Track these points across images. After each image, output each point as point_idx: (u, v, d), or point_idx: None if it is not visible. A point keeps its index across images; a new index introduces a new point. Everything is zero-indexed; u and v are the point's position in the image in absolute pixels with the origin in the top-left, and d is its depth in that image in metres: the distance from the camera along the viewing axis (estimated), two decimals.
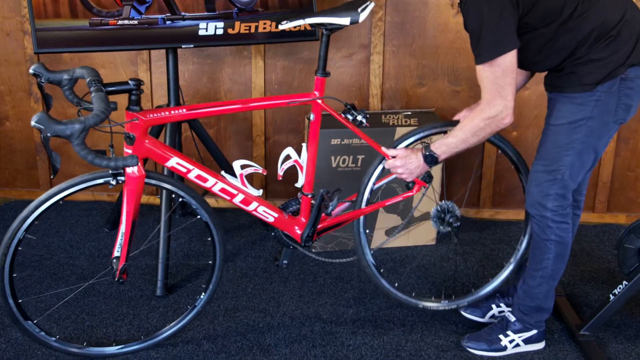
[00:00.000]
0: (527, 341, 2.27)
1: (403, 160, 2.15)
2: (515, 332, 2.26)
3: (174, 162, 2.07)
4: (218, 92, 3.27)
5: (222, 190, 2.16)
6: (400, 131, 2.86)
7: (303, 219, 2.31)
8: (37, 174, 3.46)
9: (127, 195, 2.03)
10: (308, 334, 2.35)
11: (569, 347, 2.31)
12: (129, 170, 2.00)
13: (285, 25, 2.18)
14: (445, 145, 2.07)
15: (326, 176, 2.85)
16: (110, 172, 1.99)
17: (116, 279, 2.12)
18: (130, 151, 1.99)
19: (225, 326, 2.40)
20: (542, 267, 2.15)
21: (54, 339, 2.16)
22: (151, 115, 1.99)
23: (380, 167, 2.29)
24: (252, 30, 2.75)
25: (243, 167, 2.17)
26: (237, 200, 2.18)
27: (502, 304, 2.45)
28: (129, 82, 1.93)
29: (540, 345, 2.30)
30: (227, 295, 2.60)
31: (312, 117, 2.22)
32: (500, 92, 1.89)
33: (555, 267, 2.15)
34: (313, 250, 2.97)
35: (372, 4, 2.20)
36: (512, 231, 3.19)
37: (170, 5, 2.65)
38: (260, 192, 2.22)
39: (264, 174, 2.23)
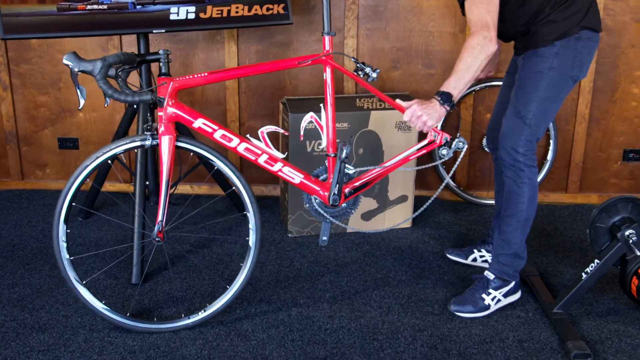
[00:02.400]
0: (506, 294, 2.41)
1: (420, 106, 2.16)
2: (496, 289, 2.39)
3: (200, 122, 2.16)
4: None
5: (247, 149, 2.20)
6: (374, 114, 2.86)
7: (331, 181, 2.32)
8: (7, 163, 3.41)
9: (161, 156, 2.14)
10: (285, 319, 2.35)
11: (542, 325, 2.34)
12: (162, 134, 2.12)
13: None
14: (453, 80, 2.16)
15: (302, 161, 2.84)
16: (144, 134, 2.13)
17: (154, 240, 2.19)
18: (161, 114, 2.11)
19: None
20: (517, 211, 2.33)
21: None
22: (178, 79, 2.11)
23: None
24: (225, 14, 2.72)
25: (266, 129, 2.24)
26: (262, 160, 2.22)
27: (483, 250, 2.67)
28: (159, 51, 2.13)
29: (517, 295, 2.45)
30: (203, 282, 2.59)
31: (324, 75, 2.25)
32: (485, 21, 2.14)
33: (529, 211, 2.33)
34: (300, 231, 2.97)
35: None
36: (487, 212, 3.22)
37: None
38: (285, 154, 2.26)
39: (286, 134, 2.25)
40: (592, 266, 2.33)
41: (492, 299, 2.39)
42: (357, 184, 2.33)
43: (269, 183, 3.39)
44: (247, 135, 2.22)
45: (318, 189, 2.30)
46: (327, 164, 2.32)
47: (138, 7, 2.62)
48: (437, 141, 2.29)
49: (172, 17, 2.66)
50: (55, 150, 3.38)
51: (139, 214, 2.62)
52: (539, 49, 2.26)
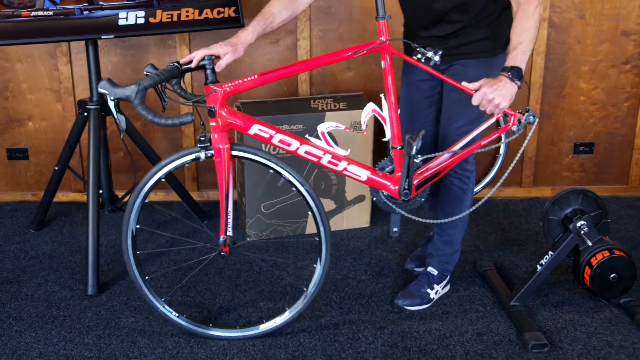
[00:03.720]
0: (444, 286, 2.53)
1: (491, 87, 1.96)
2: (439, 283, 2.49)
3: (256, 128, 2.06)
4: None
5: (307, 152, 2.10)
6: (329, 116, 2.87)
7: (399, 174, 2.17)
8: None
9: (217, 167, 2.06)
10: (245, 325, 2.34)
11: (500, 318, 2.37)
12: (216, 144, 2.03)
13: None
14: (519, 53, 1.99)
15: (257, 164, 2.82)
16: (198, 146, 2.04)
17: (219, 254, 2.17)
18: (214, 124, 2.01)
19: (161, 322, 2.36)
20: (461, 214, 2.30)
21: None
22: (227, 86, 2.00)
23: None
24: (175, 18, 2.69)
25: (326, 127, 2.12)
26: (325, 160, 2.11)
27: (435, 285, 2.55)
28: (204, 58, 2.00)
29: (449, 286, 2.56)
30: (161, 291, 2.55)
31: (383, 64, 2.11)
32: None
33: (467, 212, 2.32)
34: (263, 236, 2.95)
35: None
36: None
37: None
38: (349, 151, 2.14)
39: (346, 130, 2.17)
40: (546, 258, 2.37)
41: (435, 292, 2.48)
42: (426, 174, 2.19)
43: None
44: (306, 136, 2.12)
45: (387, 183, 2.17)
46: (392, 155, 2.17)
47: (85, 12, 2.58)
48: (510, 122, 2.09)
49: (121, 22, 2.62)
50: (4, 161, 3.29)
51: (93, 224, 2.57)
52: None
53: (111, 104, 1.86)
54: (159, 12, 2.67)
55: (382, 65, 2.12)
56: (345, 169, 2.13)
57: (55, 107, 3.20)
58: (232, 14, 2.76)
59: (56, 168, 2.89)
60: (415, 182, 2.17)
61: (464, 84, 2.02)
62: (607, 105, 3.32)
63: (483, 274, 2.65)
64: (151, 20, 2.65)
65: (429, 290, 2.46)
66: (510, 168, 2.14)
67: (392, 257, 2.80)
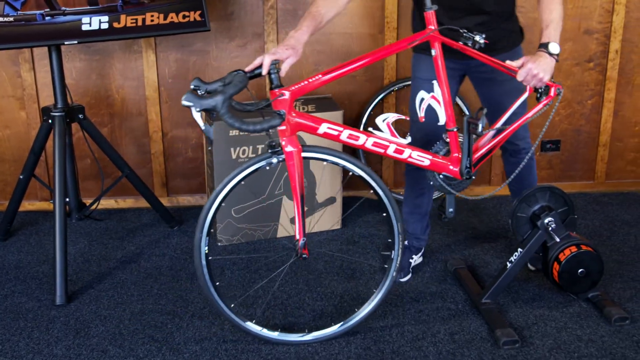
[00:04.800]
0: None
1: (533, 63, 2.14)
2: (416, 253, 2.71)
3: (325, 127, 2.09)
4: (109, 89, 3.15)
5: (375, 144, 2.15)
6: None
7: (456, 154, 2.29)
8: None
9: (290, 171, 2.07)
10: (218, 332, 2.32)
11: (472, 316, 2.39)
12: (287, 148, 2.04)
13: None
14: (552, 30, 2.18)
15: (227, 168, 2.81)
16: (269, 152, 2.05)
17: (300, 257, 2.15)
18: (282, 128, 2.02)
19: (132, 329, 2.33)
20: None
21: None
22: (293, 88, 2.02)
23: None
24: (140, 23, 2.66)
25: (384, 119, 2.20)
26: (391, 151, 2.18)
27: (414, 256, 2.72)
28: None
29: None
30: (132, 299, 2.51)
31: (433, 52, 2.19)
32: None
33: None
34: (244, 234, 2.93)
35: None
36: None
37: (49, 0, 2.52)
38: (409, 139, 2.20)
39: (406, 119, 2.22)
40: (515, 255, 2.40)
41: (414, 261, 2.71)
42: (481, 152, 2.32)
43: (196, 193, 3.33)
44: (370, 129, 2.16)
45: (449, 164, 2.28)
46: (446, 139, 2.29)
47: (47, 18, 2.53)
48: (551, 93, 2.26)
49: (84, 27, 2.58)
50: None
51: (60, 232, 2.52)
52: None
53: (197, 116, 1.86)
54: (123, 17, 2.63)
55: (433, 53, 2.21)
56: (410, 156, 2.22)
57: (19, 114, 3.14)
58: (198, 18, 2.74)
59: (21, 177, 2.83)
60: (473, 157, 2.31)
61: (507, 62, 2.18)
62: (573, 102, 3.37)
63: (454, 272, 2.66)
64: (115, 25, 2.62)
65: (410, 261, 2.69)
66: (539, 137, 2.38)
67: (364, 259, 2.80)
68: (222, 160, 2.81)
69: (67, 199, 2.74)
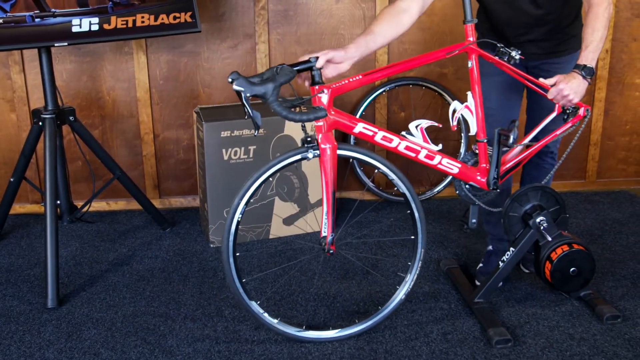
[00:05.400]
0: None
1: (565, 83, 2.13)
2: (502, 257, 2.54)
3: (361, 127, 2.12)
4: (100, 90, 3.14)
5: (407, 147, 2.18)
6: None
7: (484, 165, 2.31)
8: None
9: (323, 167, 2.09)
10: (211, 334, 2.31)
11: (465, 315, 2.40)
12: (322, 144, 2.07)
13: None
14: (590, 52, 2.15)
15: (219, 170, 2.80)
16: (305, 146, 2.08)
17: (327, 252, 2.17)
18: (320, 124, 2.06)
19: (124, 332, 2.32)
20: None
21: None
22: (334, 86, 2.05)
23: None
24: (130, 24, 2.65)
25: (417, 125, 2.20)
26: (422, 156, 2.20)
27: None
28: (310, 59, 2.02)
29: None
30: (124, 301, 2.50)
31: (470, 64, 2.22)
32: None
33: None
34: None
35: None
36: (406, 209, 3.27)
37: (39, 1, 2.51)
38: (440, 146, 2.22)
39: (440, 126, 2.22)
40: (508, 254, 2.40)
41: None
42: (508, 165, 2.34)
43: (188, 194, 3.33)
44: (403, 133, 2.18)
45: (476, 176, 2.30)
46: (475, 150, 2.31)
47: (37, 20, 2.52)
48: (581, 113, 2.26)
49: (75, 29, 2.57)
50: None
51: (52, 235, 2.51)
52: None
53: (246, 102, 1.88)
54: (113, 19, 2.62)
55: (469, 65, 2.23)
56: (440, 162, 2.24)
57: (9, 116, 3.13)
58: (189, 19, 2.73)
59: (12, 179, 2.82)
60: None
61: (541, 80, 2.19)
62: None
63: (447, 271, 2.67)
64: (105, 26, 2.61)
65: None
66: (564, 155, 2.34)
67: (357, 258, 2.80)
68: (214, 162, 2.81)
69: (58, 202, 2.73)
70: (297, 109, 2.79)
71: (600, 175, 3.53)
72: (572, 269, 2.35)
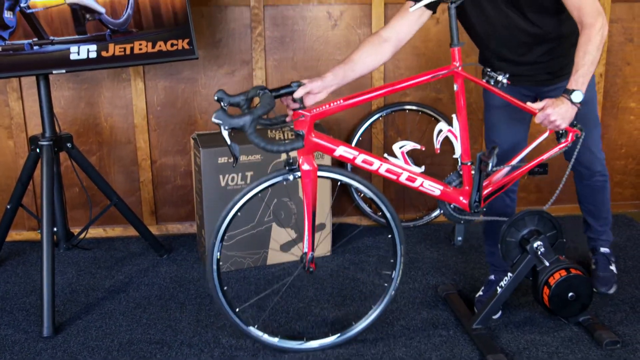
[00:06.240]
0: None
1: (552, 108, 2.12)
2: (613, 255, 2.85)
3: (341, 150, 2.15)
4: (97, 117, 3.15)
5: (388, 170, 2.20)
6: None
7: (467, 188, 2.32)
8: None
9: (304, 189, 2.14)
10: (208, 359, 2.29)
11: (463, 341, 2.38)
12: (304, 166, 2.12)
13: (416, 6, 2.18)
14: (580, 76, 2.12)
15: (216, 196, 2.80)
16: (286, 169, 2.13)
17: (306, 270, 2.24)
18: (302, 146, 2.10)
19: None
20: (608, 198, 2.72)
21: None
22: (315, 111, 2.08)
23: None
24: (128, 51, 2.67)
25: (401, 147, 2.23)
26: (403, 178, 2.22)
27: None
28: (292, 84, 2.08)
29: None
30: (120, 329, 2.48)
31: (455, 87, 2.22)
32: (598, 3, 2.13)
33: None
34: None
35: None
36: (404, 234, 3.27)
37: (37, 29, 2.53)
38: (422, 168, 2.23)
39: (423, 149, 2.24)
40: (506, 280, 2.40)
41: (615, 267, 2.76)
42: (490, 188, 2.34)
43: (185, 220, 3.32)
44: (385, 155, 2.20)
45: (459, 197, 2.31)
46: (459, 171, 2.32)
47: (35, 47, 2.53)
48: (569, 139, 2.30)
49: (73, 56, 2.58)
50: None
51: (48, 262, 2.50)
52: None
53: (225, 134, 1.92)
54: (111, 46, 2.64)
55: (455, 89, 2.23)
56: (421, 184, 2.25)
57: (7, 143, 3.13)
58: (186, 46, 2.75)
59: (8, 206, 2.81)
60: (484, 192, 2.33)
61: (528, 104, 2.19)
62: None
63: (445, 297, 2.66)
64: (104, 54, 2.63)
65: (612, 267, 2.74)
66: (562, 183, 2.36)
67: (355, 284, 2.79)
68: (211, 188, 2.81)
69: (55, 229, 2.72)
70: (276, 133, 2.83)
71: None
72: (570, 294, 2.35)
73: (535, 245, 2.36)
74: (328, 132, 3.00)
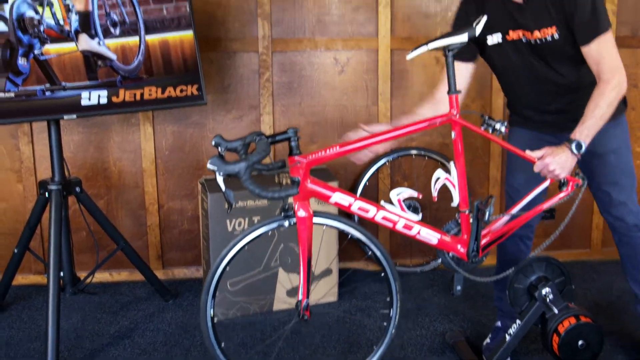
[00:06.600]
0: None
1: (551, 157, 2.10)
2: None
3: (337, 197, 2.14)
4: (106, 161, 3.18)
5: (384, 218, 2.17)
6: None
7: (465, 236, 2.29)
8: None
9: (299, 235, 2.12)
10: None
11: None
12: (299, 212, 2.10)
13: (412, 54, 2.20)
14: (587, 129, 2.09)
15: (223, 240, 2.80)
16: (282, 215, 2.12)
17: (301, 318, 2.19)
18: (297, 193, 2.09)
19: None
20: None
21: None
22: (311, 157, 2.09)
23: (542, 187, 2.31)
24: (138, 97, 2.71)
25: (398, 194, 2.22)
26: (400, 226, 2.19)
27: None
28: (288, 131, 2.07)
29: None
30: None
31: (453, 134, 2.22)
32: (618, 59, 2.10)
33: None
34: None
35: (485, 17, 2.19)
36: (411, 280, 3.25)
37: (50, 75, 2.57)
38: (420, 216, 2.22)
39: (420, 197, 2.22)
40: (514, 327, 2.37)
41: None
42: (488, 238, 2.32)
43: (191, 265, 3.31)
44: (382, 202, 2.19)
45: (457, 246, 2.29)
46: (458, 219, 2.31)
47: (47, 93, 2.58)
48: (569, 188, 2.29)
49: (84, 102, 2.62)
50: None
51: (53, 307, 2.48)
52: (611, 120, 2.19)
53: (220, 180, 1.91)
54: (122, 92, 2.68)
55: (453, 136, 2.23)
56: (418, 232, 2.22)
57: (16, 187, 3.15)
58: (195, 92, 2.79)
59: (15, 250, 2.81)
60: (482, 242, 2.30)
61: (527, 152, 2.16)
62: None
63: (453, 344, 2.62)
64: (114, 99, 2.67)
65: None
66: (559, 229, 2.35)
67: (361, 331, 2.76)
68: (218, 233, 2.81)
69: (62, 273, 2.72)
70: (284, 177, 2.84)
71: (605, 244, 3.51)
72: (580, 342, 2.31)
73: (543, 292, 2.34)
74: (334, 177, 3.03)
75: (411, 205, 2.25)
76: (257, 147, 1.97)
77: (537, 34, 2.18)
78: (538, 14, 2.16)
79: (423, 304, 3.01)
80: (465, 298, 3.04)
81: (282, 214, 2.13)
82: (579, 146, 2.10)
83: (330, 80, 3.24)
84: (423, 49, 2.19)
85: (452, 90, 2.21)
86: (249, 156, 1.93)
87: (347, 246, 3.33)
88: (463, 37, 2.15)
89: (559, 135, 2.36)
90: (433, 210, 3.31)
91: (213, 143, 1.99)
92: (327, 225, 2.20)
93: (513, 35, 2.23)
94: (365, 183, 3.27)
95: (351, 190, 3.31)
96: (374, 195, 3.31)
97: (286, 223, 2.13)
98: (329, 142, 3.27)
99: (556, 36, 2.16)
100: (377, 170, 3.29)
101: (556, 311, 2.32)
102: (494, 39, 2.27)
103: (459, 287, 2.38)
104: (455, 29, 2.20)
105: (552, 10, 2.13)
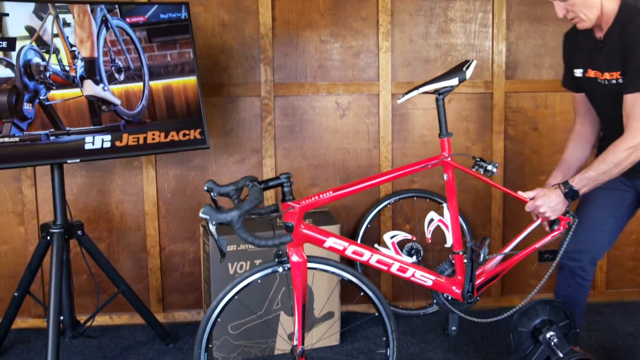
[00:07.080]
0: None
1: (543, 199, 2.15)
2: None
3: (331, 242, 2.15)
4: (109, 204, 3.19)
5: (379, 261, 2.19)
6: None
7: (460, 277, 2.30)
8: None
9: (294, 281, 2.11)
10: None
11: None
12: (293, 258, 2.09)
13: (403, 98, 2.25)
14: (586, 179, 2.12)
15: (224, 283, 2.78)
16: (276, 260, 2.11)
17: None
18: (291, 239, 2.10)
19: None
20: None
21: None
22: (304, 202, 2.10)
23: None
24: (141, 141, 2.73)
25: (392, 237, 2.23)
26: (394, 269, 2.21)
27: None
28: (280, 176, 2.09)
29: None
30: None
31: (445, 177, 2.26)
32: None
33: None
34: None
35: (475, 62, 2.26)
36: (413, 323, 3.22)
37: (54, 120, 2.60)
38: (414, 259, 2.22)
39: (414, 239, 2.24)
40: None
41: None
42: (482, 278, 2.34)
43: (192, 308, 3.29)
44: (375, 245, 2.20)
45: (452, 287, 2.30)
46: (452, 260, 2.32)
47: (52, 138, 2.60)
48: (561, 227, 2.32)
49: (87, 146, 2.64)
50: None
51: (53, 351, 2.46)
52: None
53: (213, 229, 1.91)
54: (125, 136, 2.71)
55: (445, 178, 2.27)
56: (413, 275, 2.24)
57: (18, 230, 3.16)
58: (198, 136, 2.82)
59: (16, 294, 2.80)
60: (477, 282, 2.32)
61: (519, 193, 2.22)
62: None
63: None
64: (117, 143, 2.69)
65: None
66: (548, 274, 2.34)
67: None
68: (220, 276, 2.80)
69: (62, 317, 2.70)
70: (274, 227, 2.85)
71: (609, 285, 3.49)
72: None
73: (548, 335, 2.32)
74: (336, 220, 3.03)
75: (413, 247, 2.25)
76: (250, 194, 1.97)
77: (606, 75, 2.19)
78: (610, 56, 2.18)
79: (426, 347, 2.98)
80: (469, 340, 3.01)
81: (276, 259, 2.12)
82: (572, 193, 2.13)
83: (332, 124, 3.27)
84: (414, 92, 2.23)
85: (443, 133, 2.26)
86: (241, 204, 1.92)
87: (350, 289, 3.31)
88: (453, 81, 2.20)
89: (630, 178, 2.29)
90: (436, 252, 3.31)
91: (205, 188, 2.00)
92: (323, 270, 2.19)
93: (591, 72, 2.27)
94: (367, 225, 3.27)
95: (353, 232, 3.31)
96: (375, 237, 3.30)
97: (280, 269, 2.12)
98: (330, 185, 3.28)
99: (620, 80, 2.15)
100: (379, 212, 3.30)
101: (561, 355, 2.30)
102: (577, 73, 2.32)
103: (453, 328, 2.38)
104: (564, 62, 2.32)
105: (619, 54, 2.13)
